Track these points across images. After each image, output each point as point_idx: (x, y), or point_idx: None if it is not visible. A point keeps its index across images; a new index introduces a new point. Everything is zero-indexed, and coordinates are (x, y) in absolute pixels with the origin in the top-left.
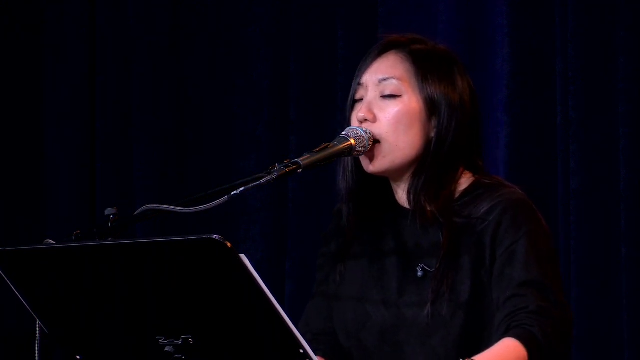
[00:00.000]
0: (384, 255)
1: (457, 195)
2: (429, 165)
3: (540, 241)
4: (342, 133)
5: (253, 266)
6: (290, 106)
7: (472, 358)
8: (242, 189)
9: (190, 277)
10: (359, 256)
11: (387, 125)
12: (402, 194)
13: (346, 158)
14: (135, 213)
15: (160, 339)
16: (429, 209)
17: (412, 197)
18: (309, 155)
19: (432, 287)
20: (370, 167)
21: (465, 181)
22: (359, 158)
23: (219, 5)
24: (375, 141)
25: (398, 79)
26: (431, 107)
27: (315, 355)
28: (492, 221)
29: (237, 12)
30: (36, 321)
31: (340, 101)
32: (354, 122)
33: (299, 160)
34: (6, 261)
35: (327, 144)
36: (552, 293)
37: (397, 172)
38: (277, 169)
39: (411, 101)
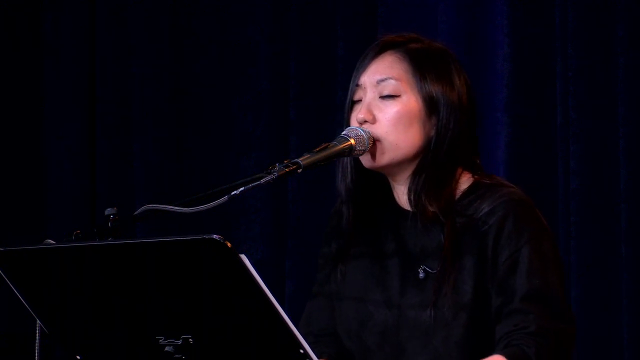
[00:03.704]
0: (386, 256)
1: (458, 195)
2: (429, 164)
3: (543, 245)
4: (342, 133)
5: (253, 266)
6: (290, 106)
7: None
8: (242, 189)
9: (190, 277)
10: (360, 256)
11: (386, 126)
12: (401, 195)
13: (345, 158)
14: (135, 213)
15: (160, 339)
16: (430, 209)
17: (412, 197)
18: (309, 155)
19: (434, 288)
20: (369, 163)
21: (465, 181)
22: (358, 158)
23: (219, 5)
24: (376, 140)
25: (396, 79)
26: (430, 105)
27: (322, 357)
28: (494, 224)
29: (237, 12)
30: (36, 321)
31: (340, 101)
32: (354, 124)
33: (299, 160)
34: (6, 261)
35: (327, 144)
36: (555, 304)
37: (396, 170)
38: (277, 169)
39: (410, 100)
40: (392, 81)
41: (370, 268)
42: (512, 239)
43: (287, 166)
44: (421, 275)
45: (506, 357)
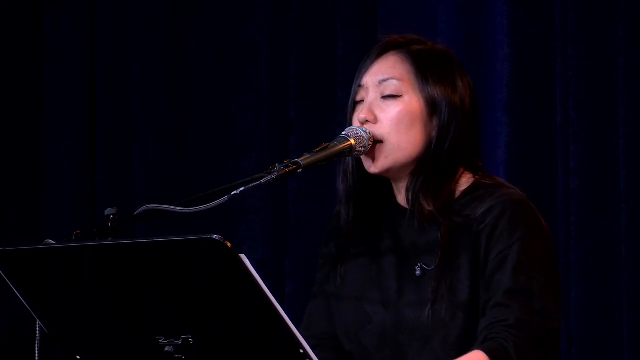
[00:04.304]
0: (383, 255)
1: (457, 195)
2: (429, 164)
3: (535, 245)
4: (342, 133)
5: (253, 266)
6: (290, 106)
7: None
8: (242, 189)
9: (190, 277)
10: (358, 257)
11: (388, 126)
12: (402, 195)
13: (347, 159)
14: (135, 213)
15: (160, 339)
16: (427, 208)
17: (410, 196)
18: (309, 155)
19: (432, 287)
20: (373, 168)
21: (465, 181)
22: (359, 159)
23: (219, 5)
24: (377, 141)
25: (398, 79)
26: (432, 106)
27: None
28: (489, 223)
29: (237, 12)
30: (36, 321)
31: (341, 101)
32: (355, 124)
33: (299, 160)
34: (6, 261)
35: (327, 144)
36: (538, 302)
37: (398, 172)
38: (277, 169)
39: (412, 101)
40: (394, 81)
41: (368, 267)
42: (504, 236)
43: (287, 166)
44: (418, 272)
45: (484, 351)
